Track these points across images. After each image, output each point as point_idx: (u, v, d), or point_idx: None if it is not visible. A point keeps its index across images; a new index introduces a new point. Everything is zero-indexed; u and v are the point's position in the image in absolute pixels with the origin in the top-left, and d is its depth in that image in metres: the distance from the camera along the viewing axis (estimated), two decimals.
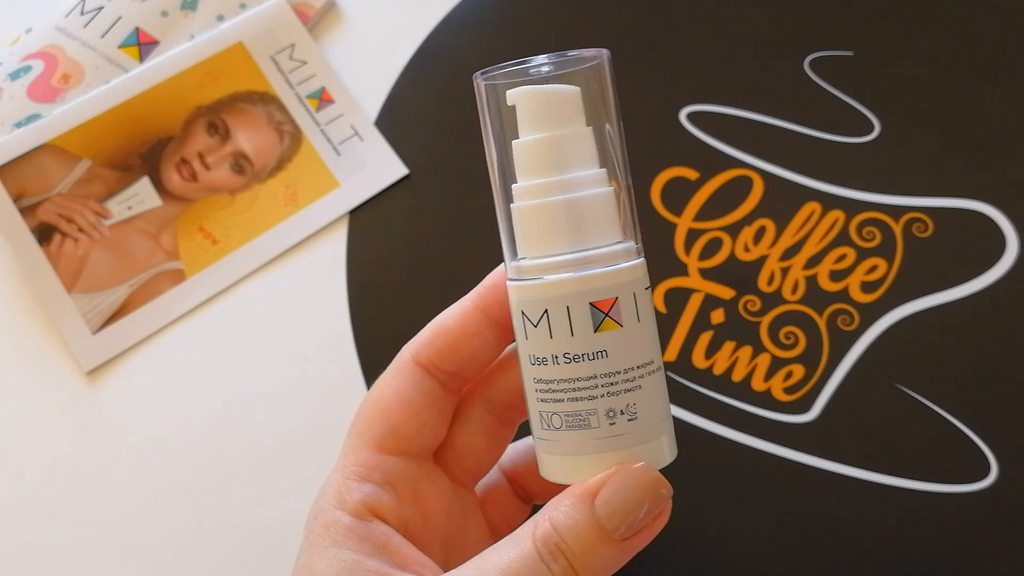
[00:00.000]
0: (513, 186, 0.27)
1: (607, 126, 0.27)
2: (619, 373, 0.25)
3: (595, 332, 0.25)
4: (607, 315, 0.25)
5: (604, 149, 0.27)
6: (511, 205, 0.27)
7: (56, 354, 0.41)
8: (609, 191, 0.26)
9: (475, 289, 0.29)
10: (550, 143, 0.26)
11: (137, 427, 0.40)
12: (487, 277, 0.29)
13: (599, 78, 0.27)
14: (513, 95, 0.26)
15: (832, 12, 0.40)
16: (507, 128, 0.27)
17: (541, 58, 0.27)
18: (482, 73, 0.27)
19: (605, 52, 0.27)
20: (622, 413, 0.25)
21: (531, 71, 0.27)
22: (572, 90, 0.26)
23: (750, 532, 0.35)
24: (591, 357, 0.25)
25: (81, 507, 0.39)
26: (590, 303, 0.25)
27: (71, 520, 0.39)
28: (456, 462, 0.30)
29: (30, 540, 0.39)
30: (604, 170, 0.27)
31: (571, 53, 0.27)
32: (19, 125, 0.43)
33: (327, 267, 0.41)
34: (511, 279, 0.26)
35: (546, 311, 0.25)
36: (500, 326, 0.28)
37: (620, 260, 0.25)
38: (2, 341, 0.41)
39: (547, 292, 0.25)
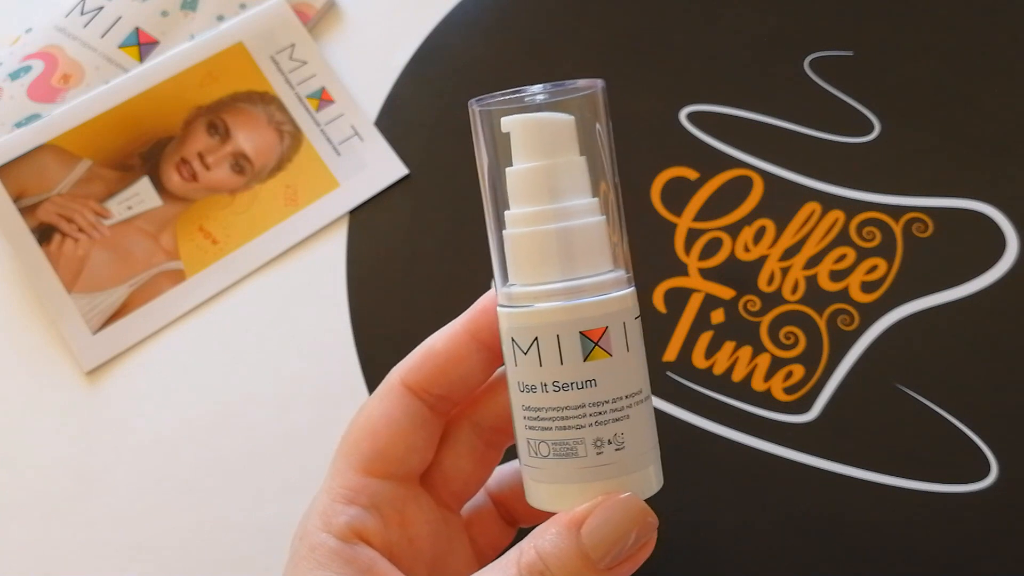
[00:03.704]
0: (506, 213, 0.27)
1: (601, 152, 0.27)
2: (607, 403, 0.25)
3: (584, 361, 0.25)
4: (597, 344, 0.25)
5: (597, 177, 0.27)
6: (503, 232, 0.27)
7: (56, 354, 0.41)
8: (601, 220, 0.26)
9: (465, 313, 0.29)
10: (543, 171, 0.26)
11: (137, 427, 0.40)
12: (477, 301, 0.29)
13: (593, 107, 0.27)
14: (508, 123, 0.26)
15: (832, 12, 0.40)
16: (501, 154, 0.27)
17: (536, 87, 0.27)
18: (477, 100, 0.27)
19: (599, 83, 0.27)
20: (609, 443, 0.25)
21: (526, 99, 0.27)
22: (566, 119, 0.26)
23: (750, 532, 0.35)
24: (580, 386, 0.25)
25: (81, 507, 0.39)
26: (580, 332, 0.25)
27: (71, 520, 0.39)
28: (442, 485, 0.30)
29: (30, 540, 0.39)
30: (596, 199, 0.27)
31: (566, 83, 0.27)
32: (19, 125, 0.43)
33: (327, 267, 0.41)
34: (502, 305, 0.26)
35: (536, 339, 0.25)
36: (489, 350, 0.28)
37: (611, 289, 0.26)
38: (2, 341, 0.41)
39: (537, 320, 0.25)
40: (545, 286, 0.25)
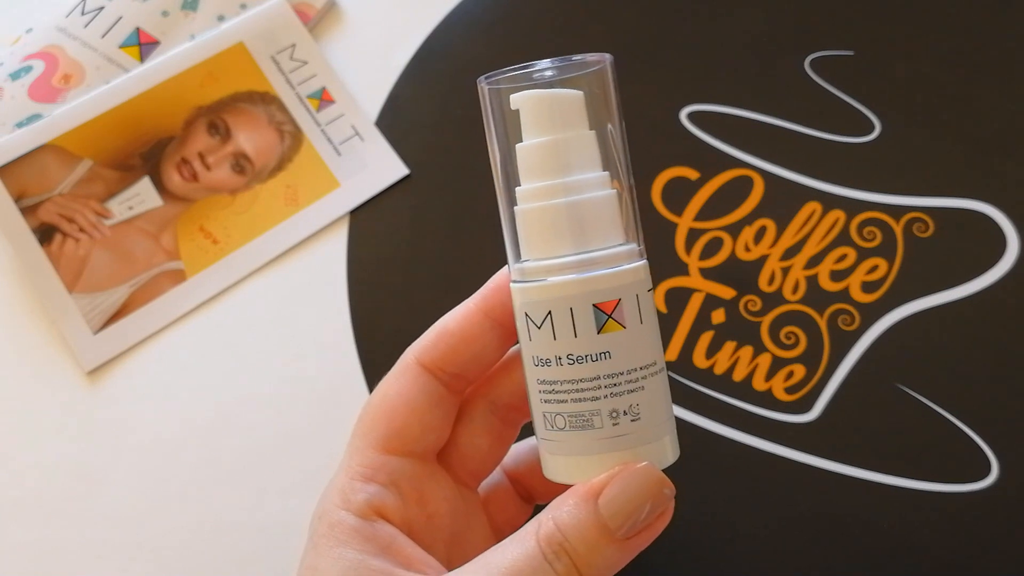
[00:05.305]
0: (517, 189, 0.27)
1: (610, 129, 0.27)
2: (622, 374, 0.25)
3: (598, 333, 0.25)
4: (610, 316, 0.25)
5: (607, 152, 0.27)
6: (515, 208, 0.27)
7: (57, 354, 0.41)
8: (612, 194, 0.26)
9: (478, 291, 0.29)
10: (553, 146, 0.26)
11: (137, 427, 0.40)
12: (491, 279, 0.29)
13: (602, 82, 0.27)
14: (517, 99, 0.26)
15: (832, 12, 0.40)
16: (511, 131, 0.27)
17: (544, 62, 0.27)
18: (486, 77, 0.27)
19: (608, 57, 0.27)
20: (625, 414, 0.25)
21: (535, 75, 0.27)
22: (575, 94, 0.26)
23: (751, 532, 0.35)
24: (594, 358, 0.25)
25: (81, 507, 0.39)
26: (593, 304, 0.25)
27: (71, 520, 0.39)
28: (459, 463, 0.30)
29: (30, 540, 0.39)
30: (607, 173, 0.27)
31: (575, 57, 0.27)
32: (20, 125, 0.43)
33: (328, 267, 0.41)
34: (515, 281, 0.27)
35: (550, 313, 0.25)
36: (503, 328, 0.29)
37: (623, 262, 0.26)
38: (3, 341, 0.41)
39: (551, 294, 0.25)
40: (557, 260, 0.26)
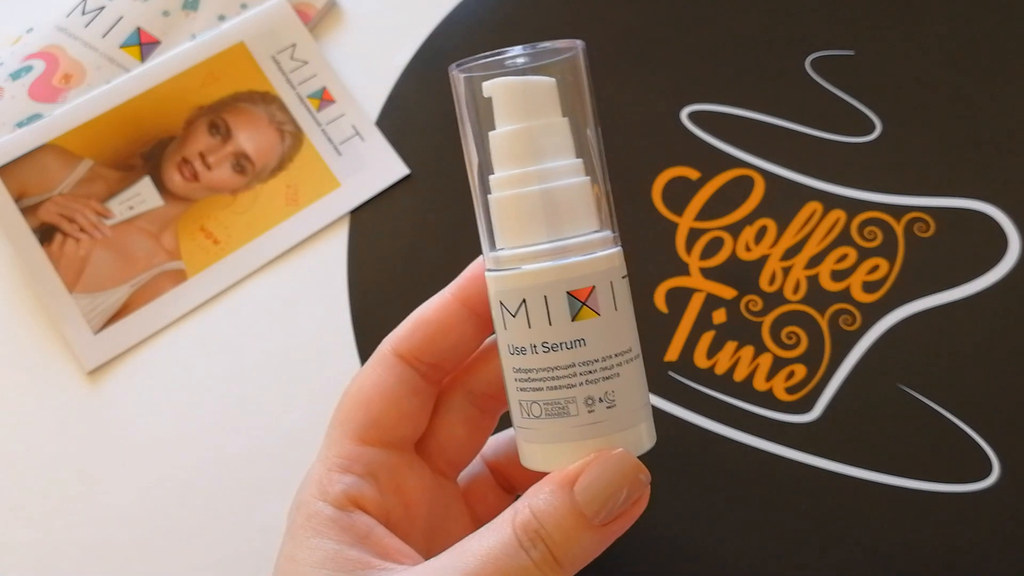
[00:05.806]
0: (490, 177, 0.27)
1: (583, 117, 0.27)
2: (597, 361, 0.25)
3: (573, 321, 0.25)
4: (584, 304, 0.25)
5: (580, 139, 0.27)
6: (488, 196, 0.27)
7: (57, 354, 0.41)
8: (585, 181, 0.26)
9: (454, 281, 0.29)
10: (526, 134, 0.26)
11: (138, 427, 0.40)
12: (466, 269, 0.29)
13: (574, 69, 0.27)
14: (489, 87, 0.26)
15: (833, 11, 0.40)
16: (484, 120, 0.27)
17: (516, 49, 0.27)
18: (457, 65, 0.27)
19: (580, 43, 0.27)
20: (600, 401, 0.25)
21: (507, 63, 0.27)
22: (548, 81, 0.26)
23: (751, 532, 0.35)
24: (569, 346, 0.25)
25: (81, 507, 0.39)
26: (567, 292, 0.25)
27: (71, 520, 0.39)
28: (438, 453, 0.30)
29: (30, 540, 0.39)
30: (580, 160, 0.27)
31: (545, 44, 0.27)
32: (20, 125, 0.43)
33: (328, 267, 0.41)
34: (489, 270, 0.27)
35: (524, 301, 0.25)
36: (480, 317, 0.29)
37: (597, 249, 0.26)
38: (3, 341, 0.41)
39: (525, 282, 0.25)
40: (531, 248, 0.26)
